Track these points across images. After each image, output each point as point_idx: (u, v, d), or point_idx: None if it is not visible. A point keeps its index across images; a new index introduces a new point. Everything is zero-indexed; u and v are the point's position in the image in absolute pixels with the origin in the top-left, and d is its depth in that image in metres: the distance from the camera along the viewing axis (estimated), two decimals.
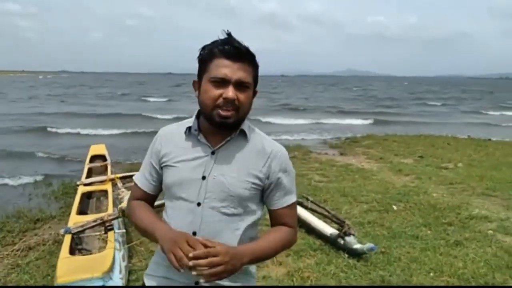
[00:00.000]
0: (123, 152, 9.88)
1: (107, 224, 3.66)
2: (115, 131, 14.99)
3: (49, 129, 15.40)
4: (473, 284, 3.64)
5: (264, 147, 1.49)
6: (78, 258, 3.28)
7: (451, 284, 3.64)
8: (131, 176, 4.86)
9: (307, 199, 4.83)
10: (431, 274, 3.80)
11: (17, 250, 4.32)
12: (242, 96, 1.37)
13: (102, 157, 6.52)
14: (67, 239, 3.48)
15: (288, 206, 1.53)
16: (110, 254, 3.20)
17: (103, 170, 5.96)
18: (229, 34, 1.37)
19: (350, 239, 4.17)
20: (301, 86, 76.39)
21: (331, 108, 28.03)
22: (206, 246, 1.25)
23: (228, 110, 1.35)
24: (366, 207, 5.74)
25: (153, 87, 62.09)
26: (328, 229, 4.49)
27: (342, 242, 4.22)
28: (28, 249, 4.38)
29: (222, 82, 1.34)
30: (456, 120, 22.32)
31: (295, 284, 3.65)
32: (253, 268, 1.56)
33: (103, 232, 3.72)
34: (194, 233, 1.40)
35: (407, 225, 4.99)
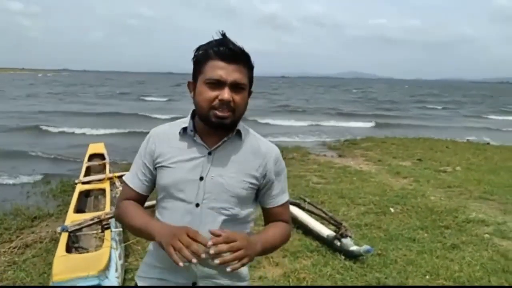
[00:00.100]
0: (122, 151, 9.83)
1: (104, 222, 3.66)
2: (114, 130, 14.98)
3: (46, 128, 15.39)
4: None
5: (259, 147, 1.50)
6: (75, 256, 3.28)
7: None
8: None
9: (304, 201, 4.83)
10: (427, 276, 3.80)
11: (14, 248, 4.32)
12: (237, 98, 1.37)
13: (100, 156, 6.52)
14: (64, 237, 3.48)
15: (283, 204, 1.57)
16: (107, 253, 3.20)
17: (102, 169, 5.96)
18: (223, 35, 1.37)
19: (346, 241, 4.18)
20: (301, 88, 76.34)
21: (330, 110, 28.05)
22: (215, 235, 1.25)
23: (224, 111, 1.35)
24: (364, 209, 5.74)
25: (153, 87, 62.12)
26: (325, 231, 4.50)
27: (338, 243, 4.22)
28: (25, 247, 4.37)
29: (217, 84, 1.35)
30: (456, 123, 22.34)
31: (291, 285, 3.65)
32: (245, 269, 1.56)
33: (100, 230, 3.71)
34: None
35: (404, 228, 4.99)
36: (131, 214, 1.48)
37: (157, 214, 1.51)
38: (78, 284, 2.79)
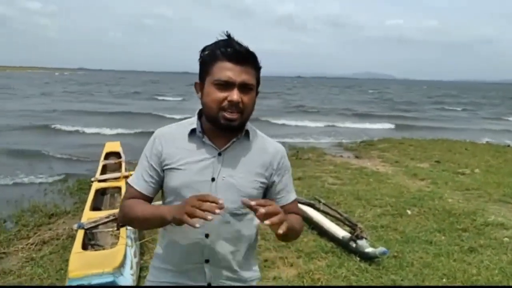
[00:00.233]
0: (136, 151, 9.62)
1: None
2: (128, 130, 14.89)
3: (60, 126, 15.42)
4: None
5: (266, 147, 1.51)
6: (90, 253, 3.31)
7: None
8: None
9: (319, 201, 4.81)
10: (444, 280, 3.74)
11: (32, 244, 4.39)
12: (246, 98, 1.37)
13: (116, 154, 6.58)
14: (80, 234, 3.53)
15: (293, 201, 1.57)
16: (122, 250, 3.23)
17: (118, 167, 6.02)
18: (228, 36, 1.37)
19: (362, 243, 4.14)
20: (316, 88, 76.09)
21: (346, 111, 27.82)
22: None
23: (233, 113, 1.35)
24: (380, 211, 5.69)
25: (168, 86, 62.54)
26: (340, 232, 4.46)
27: (354, 245, 4.19)
28: (42, 243, 4.44)
29: (226, 85, 1.34)
30: (475, 125, 21.96)
31: (305, 285, 3.63)
32: (256, 269, 1.57)
33: (115, 228, 3.75)
34: (207, 235, 1.41)
35: (420, 230, 4.93)
36: (138, 208, 1.43)
37: None
38: (93, 281, 2.81)
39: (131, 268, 3.20)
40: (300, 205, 4.95)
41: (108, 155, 6.60)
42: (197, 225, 1.19)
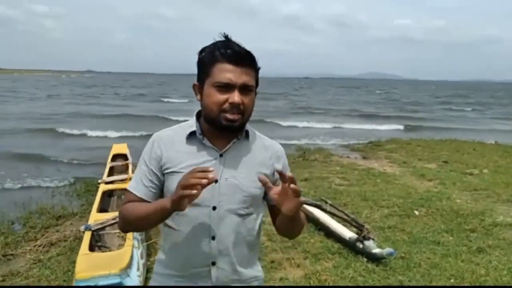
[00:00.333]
0: (141, 153, 9.66)
1: None
2: (134, 133, 14.78)
3: (65, 130, 15.43)
4: None
5: (266, 146, 1.52)
6: (97, 254, 3.33)
7: None
8: None
9: (326, 202, 4.79)
10: (452, 280, 3.72)
11: (39, 246, 4.42)
12: (246, 100, 1.37)
13: (123, 156, 6.61)
14: (87, 236, 3.54)
15: None
16: (128, 252, 3.24)
17: (124, 169, 6.05)
18: (226, 37, 1.37)
19: (369, 243, 4.12)
20: (323, 89, 75.96)
21: (353, 112, 27.74)
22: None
23: (234, 114, 1.35)
24: (387, 211, 5.66)
25: (174, 88, 62.74)
26: (347, 233, 4.45)
27: (361, 246, 4.17)
28: (50, 245, 4.47)
29: (226, 87, 1.34)
30: (483, 125, 21.78)
31: (312, 285, 3.62)
32: (259, 269, 1.57)
33: None
34: (213, 237, 1.40)
35: (428, 231, 4.90)
36: (137, 208, 1.40)
37: (169, 223, 1.43)
38: (100, 282, 2.82)
39: (138, 269, 3.21)
40: (306, 206, 4.94)
41: (115, 157, 6.64)
42: (194, 192, 1.17)
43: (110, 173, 5.84)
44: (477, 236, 4.76)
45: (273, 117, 21.24)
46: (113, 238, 3.96)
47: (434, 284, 3.65)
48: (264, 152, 1.50)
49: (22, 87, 49.91)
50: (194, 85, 1.46)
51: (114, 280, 2.88)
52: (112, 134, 14.82)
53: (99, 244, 3.79)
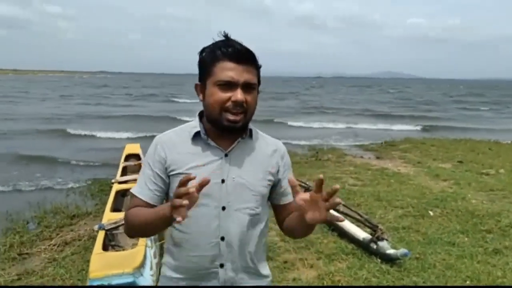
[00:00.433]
0: None
1: None
2: (146, 133, 14.60)
3: (78, 131, 15.43)
4: None
5: (269, 144, 1.52)
6: (111, 254, 3.34)
7: None
8: None
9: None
10: (468, 282, 3.66)
11: (54, 245, 4.47)
12: (249, 98, 1.36)
13: (136, 156, 6.65)
14: (101, 235, 3.56)
15: None
16: (142, 251, 3.25)
17: (138, 169, 6.07)
18: (226, 36, 1.37)
19: (383, 244, 4.08)
20: (336, 88, 75.60)
21: (366, 111, 27.53)
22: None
23: (237, 114, 1.34)
24: (401, 212, 5.61)
25: (185, 88, 62.97)
26: (361, 234, 4.41)
27: (375, 246, 4.14)
28: (64, 244, 4.52)
29: (229, 85, 1.33)
30: (499, 125, 21.42)
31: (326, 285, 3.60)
32: (266, 270, 1.56)
33: None
34: (222, 238, 1.40)
35: (443, 232, 4.84)
36: (140, 213, 1.37)
37: (177, 225, 1.39)
38: (113, 281, 2.83)
39: (151, 268, 3.22)
40: None
41: (128, 157, 6.68)
42: (179, 219, 1.11)
43: (124, 173, 5.87)
44: (493, 237, 4.68)
45: (284, 116, 21.19)
46: (127, 238, 3.97)
47: (449, 285, 3.60)
48: (268, 151, 1.49)
49: (34, 88, 50.55)
50: (196, 85, 1.45)
51: (128, 279, 2.89)
52: (124, 134, 14.87)
53: (113, 243, 3.81)
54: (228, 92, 1.33)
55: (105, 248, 3.41)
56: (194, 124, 1.46)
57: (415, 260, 4.05)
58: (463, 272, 3.82)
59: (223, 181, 1.39)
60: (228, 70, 1.33)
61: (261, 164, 1.46)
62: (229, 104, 1.34)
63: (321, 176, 1.14)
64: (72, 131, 15.42)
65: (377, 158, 10.38)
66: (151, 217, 1.31)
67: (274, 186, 1.51)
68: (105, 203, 5.04)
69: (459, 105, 36.18)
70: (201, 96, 1.43)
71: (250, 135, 1.47)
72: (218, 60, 1.34)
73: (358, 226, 4.63)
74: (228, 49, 1.33)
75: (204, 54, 1.39)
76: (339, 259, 4.13)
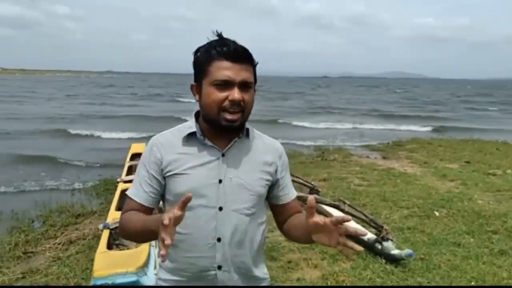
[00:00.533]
0: None
1: None
2: (151, 133, 14.71)
3: (82, 131, 15.43)
4: None
5: (266, 144, 1.51)
6: (115, 253, 3.34)
7: None
8: None
9: (344, 203, 4.75)
10: (473, 283, 3.64)
11: (59, 244, 4.49)
12: (246, 96, 1.35)
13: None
14: (105, 234, 3.57)
15: (295, 198, 1.57)
16: (146, 250, 3.25)
17: None
18: (220, 35, 1.36)
19: (388, 244, 4.06)
20: (343, 88, 75.42)
21: (373, 111, 27.43)
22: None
23: (234, 113, 1.33)
24: (407, 212, 5.58)
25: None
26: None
27: (379, 247, 4.12)
28: (69, 243, 4.54)
29: (225, 85, 1.32)
30: (507, 125, 21.20)
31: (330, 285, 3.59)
32: (264, 272, 1.55)
33: None
34: (219, 239, 1.38)
35: (449, 232, 4.81)
36: (132, 220, 1.35)
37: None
38: (117, 280, 2.84)
39: (155, 268, 3.22)
40: (324, 206, 4.90)
41: (134, 156, 6.68)
42: (162, 252, 1.04)
43: (129, 172, 5.88)
44: (499, 238, 4.64)
45: (290, 116, 21.17)
46: None
47: (454, 286, 3.57)
48: (265, 150, 1.48)
49: (41, 88, 50.95)
50: (191, 86, 1.44)
51: (131, 278, 2.89)
52: (129, 135, 14.86)
53: (117, 242, 3.81)
54: (225, 91, 1.32)
55: (109, 247, 3.41)
56: (189, 125, 1.45)
57: (419, 261, 4.03)
58: (468, 273, 3.79)
59: (220, 181, 1.38)
60: (224, 70, 1.31)
61: (258, 163, 1.44)
62: (226, 103, 1.32)
63: (340, 218, 1.12)
64: (76, 131, 15.45)
65: (384, 158, 10.34)
66: (140, 228, 1.30)
67: (272, 186, 1.49)
68: (110, 202, 5.05)
69: (467, 105, 35.95)
70: (197, 97, 1.42)
71: (247, 135, 1.45)
72: (214, 59, 1.33)
73: (363, 226, 4.61)
74: (223, 48, 1.32)
75: (199, 54, 1.38)
76: (343, 259, 4.10)
